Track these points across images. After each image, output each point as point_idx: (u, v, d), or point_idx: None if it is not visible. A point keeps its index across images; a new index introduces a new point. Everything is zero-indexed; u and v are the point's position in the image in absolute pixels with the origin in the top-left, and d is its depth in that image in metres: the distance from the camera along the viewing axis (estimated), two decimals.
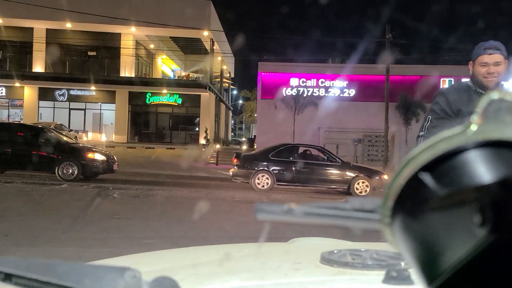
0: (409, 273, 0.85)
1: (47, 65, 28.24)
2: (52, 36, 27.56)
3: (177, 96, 27.78)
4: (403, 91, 19.82)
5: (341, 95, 21.33)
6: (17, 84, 26.86)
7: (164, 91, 27.54)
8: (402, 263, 0.95)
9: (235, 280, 0.95)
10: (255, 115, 28.58)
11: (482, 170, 0.34)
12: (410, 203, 0.36)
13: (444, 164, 0.36)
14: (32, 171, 11.12)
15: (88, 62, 28.28)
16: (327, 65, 21.64)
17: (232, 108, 44.58)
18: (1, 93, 27.68)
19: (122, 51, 28.27)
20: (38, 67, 28.15)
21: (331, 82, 21.25)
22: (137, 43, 29.43)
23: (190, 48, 33.35)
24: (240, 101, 48.67)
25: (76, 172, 10.78)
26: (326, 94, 21.29)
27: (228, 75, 40.23)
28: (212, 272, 1.05)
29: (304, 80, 21.30)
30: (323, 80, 21.31)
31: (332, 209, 0.42)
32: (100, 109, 28.61)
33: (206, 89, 27.31)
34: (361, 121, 20.42)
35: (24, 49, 28.03)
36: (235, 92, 46.45)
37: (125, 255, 1.31)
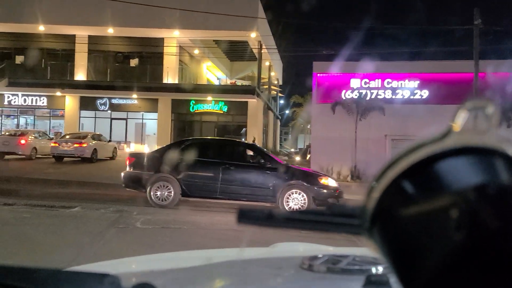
0: (388, 278, 0.86)
1: (89, 72, 27.19)
2: (94, 42, 26.48)
3: (223, 103, 25.76)
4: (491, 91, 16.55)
5: (412, 97, 18.27)
6: (58, 94, 25.87)
7: (209, 98, 25.62)
8: (382, 268, 0.95)
9: (216, 285, 0.96)
10: (309, 124, 26.00)
11: (459, 176, 0.35)
12: (390, 208, 0.37)
13: (423, 170, 0.36)
14: (243, 201, 8.58)
15: (130, 69, 27.02)
16: (394, 63, 18.67)
17: (280, 117, 42.13)
18: (43, 103, 26.79)
19: (166, 56, 26.77)
20: (80, 75, 27.13)
21: (400, 82, 18.27)
22: (181, 49, 27.85)
23: (236, 53, 31.48)
24: (287, 111, 46.24)
25: (306, 202, 8.60)
26: (394, 97, 18.33)
27: (276, 82, 37.96)
28: (194, 277, 1.04)
29: (367, 80, 18.44)
30: (390, 80, 18.35)
31: (312, 214, 0.43)
32: (142, 119, 27.16)
33: (254, 94, 25.11)
34: (437, 128, 17.25)
35: (65, 57, 27.14)
36: (282, 101, 43.96)
37: (105, 261, 1.28)
